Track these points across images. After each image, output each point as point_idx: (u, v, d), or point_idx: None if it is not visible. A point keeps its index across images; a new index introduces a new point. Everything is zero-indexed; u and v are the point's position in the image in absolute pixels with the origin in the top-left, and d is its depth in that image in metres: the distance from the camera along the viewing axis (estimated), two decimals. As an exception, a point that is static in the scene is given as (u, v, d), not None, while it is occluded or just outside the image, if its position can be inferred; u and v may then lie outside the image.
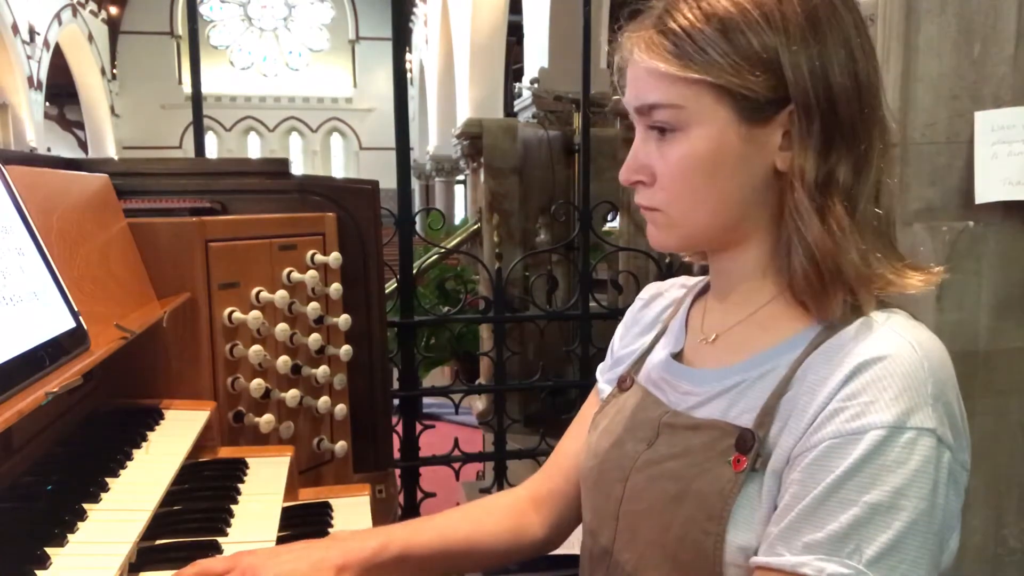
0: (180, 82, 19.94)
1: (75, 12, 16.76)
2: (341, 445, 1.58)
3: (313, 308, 1.49)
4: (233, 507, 1.07)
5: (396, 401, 2.31)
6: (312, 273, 1.49)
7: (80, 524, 0.83)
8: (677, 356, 0.87)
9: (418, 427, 2.37)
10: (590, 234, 2.43)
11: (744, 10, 0.72)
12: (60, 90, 17.66)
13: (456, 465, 2.49)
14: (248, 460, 1.25)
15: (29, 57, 14.39)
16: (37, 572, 0.73)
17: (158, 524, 0.96)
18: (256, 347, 1.37)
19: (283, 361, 1.42)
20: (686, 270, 2.19)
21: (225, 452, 1.29)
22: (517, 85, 6.58)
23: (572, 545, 0.99)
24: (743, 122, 0.73)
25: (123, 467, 1.00)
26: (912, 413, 0.65)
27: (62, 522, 0.82)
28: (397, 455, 2.15)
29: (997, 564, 1.69)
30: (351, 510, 1.28)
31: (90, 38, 17.75)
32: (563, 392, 2.80)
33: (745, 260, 0.80)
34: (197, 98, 2.14)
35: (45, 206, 1.04)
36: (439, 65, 14.29)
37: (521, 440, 2.91)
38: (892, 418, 0.65)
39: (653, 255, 2.59)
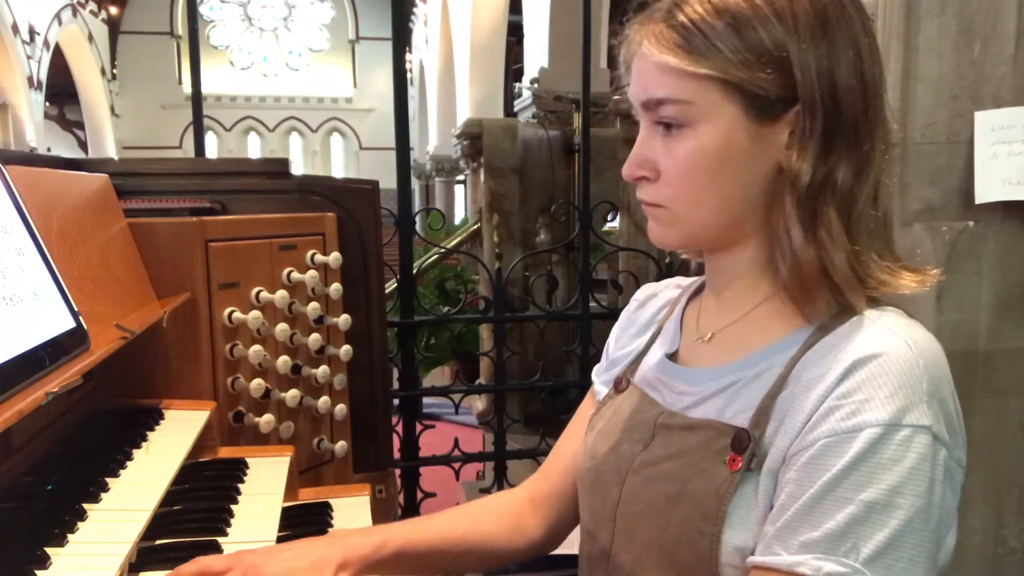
0: (180, 82, 19.94)
1: (75, 12, 16.76)
2: (341, 445, 1.58)
3: (313, 308, 1.49)
4: (233, 507, 1.07)
5: (396, 401, 2.31)
6: (312, 273, 1.49)
7: (80, 524, 0.83)
8: (672, 356, 0.87)
9: (418, 427, 2.37)
10: (590, 234, 2.43)
11: (755, 5, 0.71)
12: (60, 90, 17.66)
13: (456, 465, 2.49)
14: (248, 460, 1.25)
15: (29, 57, 14.39)
16: (37, 572, 0.73)
17: (158, 524, 0.96)
18: (256, 347, 1.37)
19: (283, 361, 1.42)
20: (686, 270, 2.19)
21: (225, 452, 1.29)
22: (517, 85, 6.58)
23: (572, 545, 0.99)
24: (751, 120, 0.72)
25: (123, 467, 1.00)
26: (907, 411, 0.65)
27: (62, 522, 0.82)
28: (397, 455, 2.15)
29: (997, 564, 1.69)
30: (351, 510, 1.28)
31: (90, 38, 17.75)
32: (563, 392, 2.80)
33: (743, 259, 0.80)
34: (197, 98, 2.14)
35: (45, 206, 1.04)
36: (439, 65, 14.30)
37: (521, 440, 2.91)
38: (887, 416, 0.65)
39: (653, 255, 2.59)
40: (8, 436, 0.94)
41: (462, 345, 5.02)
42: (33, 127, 14.32)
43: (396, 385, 2.34)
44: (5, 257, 0.88)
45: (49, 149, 15.15)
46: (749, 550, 0.70)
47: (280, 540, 0.99)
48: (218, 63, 20.94)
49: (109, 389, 1.27)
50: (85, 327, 0.96)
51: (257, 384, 1.37)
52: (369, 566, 0.84)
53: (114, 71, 19.46)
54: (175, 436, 1.15)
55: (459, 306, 2.90)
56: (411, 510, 2.37)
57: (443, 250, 3.69)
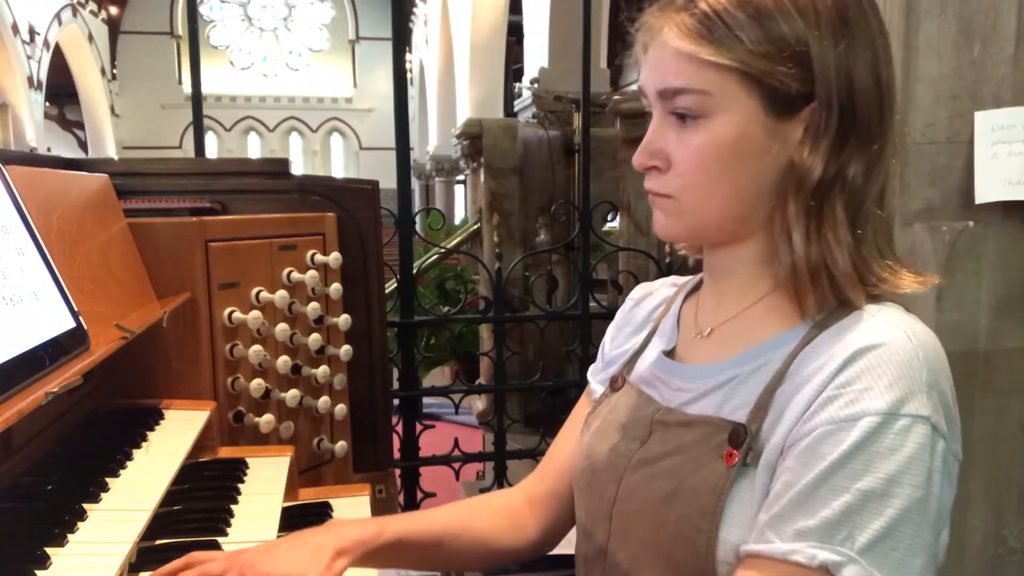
0: (180, 82, 19.93)
1: (75, 12, 16.75)
2: (341, 445, 1.58)
3: (313, 308, 1.49)
4: (233, 507, 1.07)
5: (396, 401, 2.31)
6: (312, 273, 1.49)
7: (80, 524, 0.83)
8: (670, 354, 0.87)
9: (418, 427, 2.37)
10: (590, 234, 2.43)
11: None
12: (60, 90, 17.66)
13: (456, 465, 2.49)
14: (248, 460, 1.26)
15: (29, 57, 14.39)
16: (37, 572, 0.73)
17: (158, 524, 0.96)
18: (256, 347, 1.37)
19: (283, 361, 1.42)
20: (686, 270, 2.19)
21: (225, 452, 1.29)
22: (517, 85, 6.58)
23: (572, 544, 0.99)
24: (768, 114, 0.72)
25: (123, 467, 1.00)
26: (907, 401, 0.65)
27: (62, 522, 0.82)
28: (397, 455, 2.15)
29: (997, 564, 1.69)
30: (351, 510, 1.28)
31: (90, 38, 17.75)
32: (563, 392, 2.79)
33: (745, 254, 0.79)
34: (197, 98, 2.14)
35: (45, 206, 1.04)
36: (439, 65, 14.30)
37: (521, 440, 2.91)
38: (886, 405, 0.65)
39: (653, 255, 2.59)
40: (8, 436, 0.94)
41: (462, 345, 5.02)
42: (33, 127, 14.32)
43: (396, 385, 2.34)
44: (5, 257, 0.88)
45: (49, 149, 15.14)
46: None
47: (280, 540, 0.99)
48: (218, 63, 20.93)
49: (109, 389, 1.27)
50: (85, 327, 0.96)
51: (257, 384, 1.37)
52: (367, 553, 0.83)
53: (114, 71, 19.46)
54: (175, 436, 1.15)
55: (459, 306, 2.90)
56: (411, 510, 2.37)
57: (443, 250, 3.69)
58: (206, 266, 1.33)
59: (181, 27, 19.64)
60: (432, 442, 2.47)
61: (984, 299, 1.62)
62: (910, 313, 0.74)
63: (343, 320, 1.56)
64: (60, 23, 15.90)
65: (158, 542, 0.95)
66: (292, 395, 1.43)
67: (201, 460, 1.24)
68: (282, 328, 1.42)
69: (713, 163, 0.74)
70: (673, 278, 0.99)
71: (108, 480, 0.95)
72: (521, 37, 7.73)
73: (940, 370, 0.69)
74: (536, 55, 6.93)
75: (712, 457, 0.73)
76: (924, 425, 0.65)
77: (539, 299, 2.70)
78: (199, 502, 1.09)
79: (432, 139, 15.33)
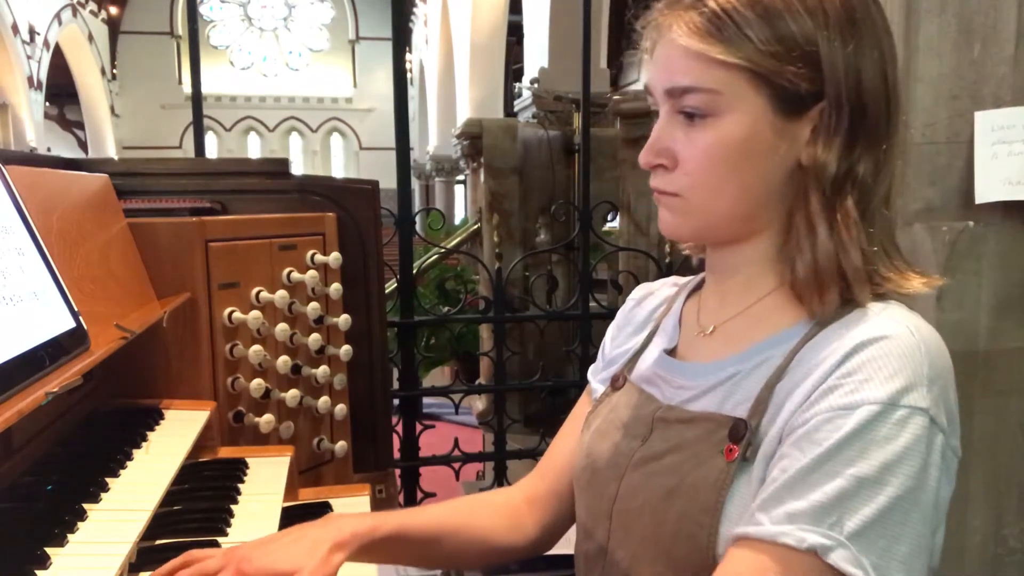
0: (180, 82, 19.93)
1: (75, 12, 16.76)
2: (341, 445, 1.58)
3: (313, 308, 1.49)
4: (233, 507, 1.07)
5: (396, 401, 2.31)
6: (312, 273, 1.49)
7: (80, 524, 0.83)
8: (671, 352, 0.87)
9: (418, 427, 2.37)
10: (590, 234, 2.43)
11: None
12: (60, 90, 17.66)
13: (456, 465, 2.49)
14: (248, 460, 1.26)
15: (29, 57, 14.39)
16: (37, 572, 0.73)
17: (158, 524, 0.96)
18: (256, 347, 1.37)
19: (283, 361, 1.43)
20: (686, 270, 2.19)
21: (225, 452, 1.29)
22: (517, 85, 6.58)
23: (571, 544, 0.99)
24: (777, 113, 0.72)
25: (123, 467, 1.00)
26: (907, 392, 0.65)
27: (62, 522, 0.82)
28: (397, 455, 2.15)
29: (997, 564, 1.69)
30: (351, 510, 1.28)
31: (90, 38, 17.75)
32: (563, 392, 2.79)
33: (750, 253, 0.80)
34: (197, 98, 2.14)
35: (45, 206, 1.04)
36: (439, 65, 14.30)
37: (521, 440, 2.91)
38: (886, 395, 0.65)
39: (653, 255, 2.59)
40: (8, 436, 0.94)
41: (462, 345, 5.02)
42: (33, 127, 14.32)
43: (396, 385, 2.34)
44: (5, 257, 0.88)
45: (49, 149, 15.15)
46: None
47: (280, 540, 0.99)
48: (218, 63, 20.93)
49: (109, 389, 1.27)
50: (85, 327, 0.96)
51: (257, 384, 1.37)
52: (365, 546, 0.82)
53: (114, 71, 19.46)
54: (175, 436, 1.15)
55: (459, 306, 2.90)
56: (411, 510, 2.37)
57: (443, 250, 3.69)
58: (206, 266, 1.33)
59: (181, 27, 19.65)
60: (432, 442, 2.47)
61: (984, 299, 1.62)
62: (913, 312, 0.74)
63: (343, 320, 1.56)
64: (60, 23, 15.90)
65: (158, 542, 0.95)
66: (292, 395, 1.43)
67: (201, 460, 1.24)
68: (282, 328, 1.42)
69: (721, 162, 0.74)
70: (674, 278, 0.99)
71: (108, 480, 0.95)
72: (521, 37, 7.73)
73: (942, 366, 0.69)
74: (536, 55, 6.94)
75: (713, 453, 0.73)
76: (923, 417, 0.65)
77: (539, 299, 2.70)
78: (199, 502, 1.09)
79: (432, 139, 15.33)
